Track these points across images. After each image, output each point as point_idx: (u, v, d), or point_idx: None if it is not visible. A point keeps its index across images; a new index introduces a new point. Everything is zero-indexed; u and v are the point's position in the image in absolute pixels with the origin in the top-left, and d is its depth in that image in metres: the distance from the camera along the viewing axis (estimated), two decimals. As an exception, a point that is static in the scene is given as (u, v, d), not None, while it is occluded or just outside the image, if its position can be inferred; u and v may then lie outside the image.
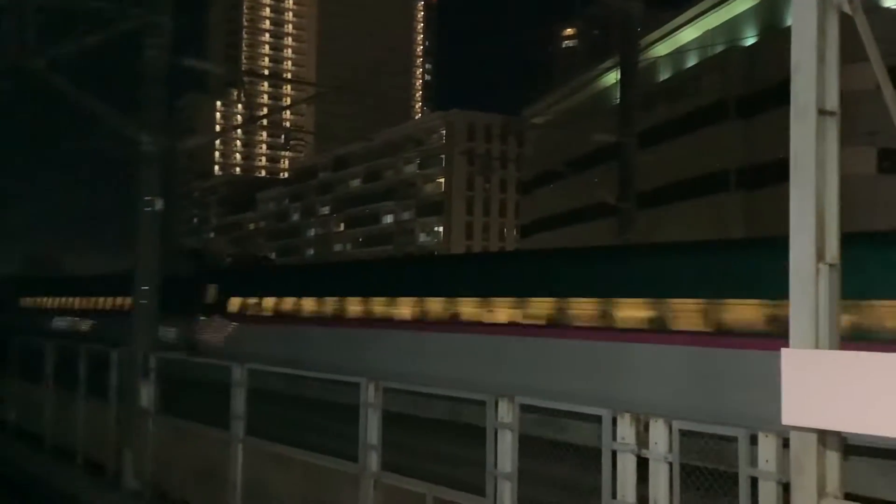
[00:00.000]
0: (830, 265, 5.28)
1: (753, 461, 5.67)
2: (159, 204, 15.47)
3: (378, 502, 8.98)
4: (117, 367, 14.89)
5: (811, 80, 5.32)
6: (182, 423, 13.06)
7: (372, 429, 9.07)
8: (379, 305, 19.80)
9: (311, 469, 10.03)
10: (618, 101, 26.12)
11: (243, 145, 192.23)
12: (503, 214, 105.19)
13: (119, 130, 16.20)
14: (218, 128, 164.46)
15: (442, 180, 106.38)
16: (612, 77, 45.53)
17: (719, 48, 46.46)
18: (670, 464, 6.21)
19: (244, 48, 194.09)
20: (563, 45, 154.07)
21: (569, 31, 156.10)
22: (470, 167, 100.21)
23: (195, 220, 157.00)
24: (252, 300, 24.23)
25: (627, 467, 6.50)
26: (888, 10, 37.47)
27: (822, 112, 5.32)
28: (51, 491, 15.48)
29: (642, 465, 6.47)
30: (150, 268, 15.54)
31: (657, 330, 13.55)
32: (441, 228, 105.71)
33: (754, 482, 5.68)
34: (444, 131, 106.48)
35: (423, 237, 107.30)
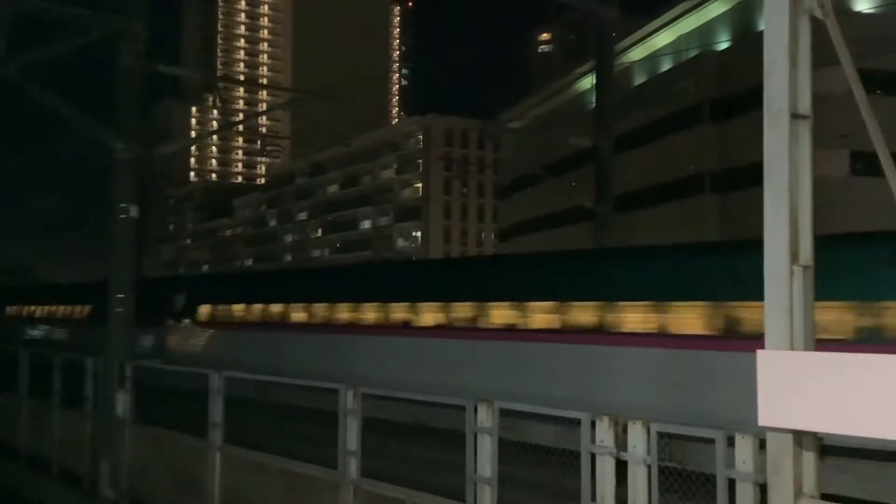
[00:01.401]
0: (804, 267, 5.33)
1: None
2: (134, 211, 15.35)
3: (358, 509, 8.95)
4: (92, 376, 14.74)
5: (784, 85, 5.37)
6: (158, 431, 12.96)
7: (351, 435, 9.04)
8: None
9: (289, 476, 9.98)
10: (594, 105, 26.25)
11: (219, 151, 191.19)
12: (481, 219, 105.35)
13: (94, 137, 16.07)
14: (193, 134, 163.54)
15: (419, 185, 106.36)
16: (588, 81, 45.74)
17: (693, 53, 46.85)
18: (649, 466, 6.23)
19: (219, 54, 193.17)
20: (539, 50, 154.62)
21: (544, 35, 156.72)
22: (447, 172, 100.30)
23: (171, 227, 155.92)
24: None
25: (606, 470, 6.52)
26: (859, 13, 37.97)
27: (794, 116, 5.37)
28: (26, 501, 15.31)
29: (620, 467, 6.49)
30: (125, 275, 15.41)
31: None
32: (419, 233, 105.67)
33: (732, 483, 5.71)
34: (421, 136, 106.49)
35: (401, 242, 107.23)
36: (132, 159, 15.38)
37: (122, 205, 15.27)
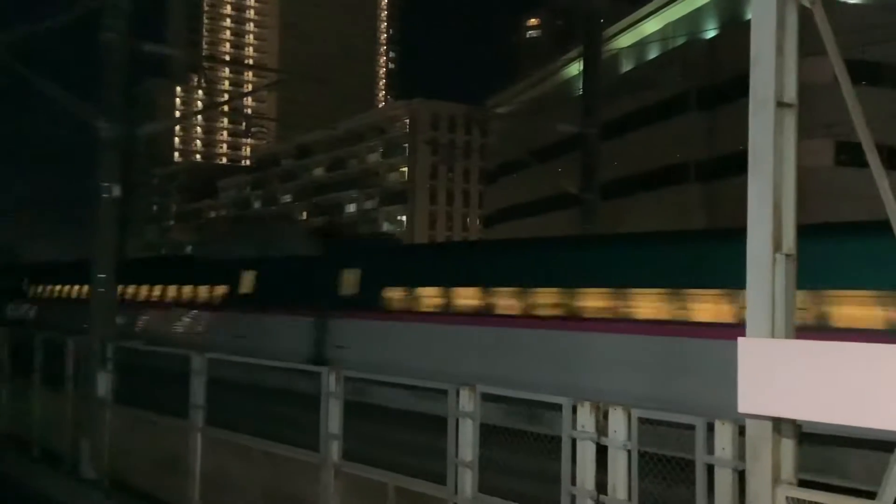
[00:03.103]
0: (787, 255, 5.34)
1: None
2: (117, 190, 15.23)
3: (339, 491, 8.96)
4: (73, 356, 14.66)
5: (770, 73, 5.37)
6: (139, 412, 12.92)
7: (333, 418, 9.04)
8: None
9: (271, 458, 9.97)
10: (581, 91, 26.24)
11: (204, 132, 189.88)
12: (467, 204, 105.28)
13: (77, 116, 15.93)
14: (178, 114, 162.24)
15: (405, 169, 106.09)
16: (576, 68, 45.71)
17: (681, 40, 46.88)
18: (629, 451, 6.26)
19: (205, 33, 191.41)
20: (527, 36, 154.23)
21: (532, 21, 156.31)
22: (433, 156, 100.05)
23: (155, 207, 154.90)
24: None
25: (587, 455, 6.55)
26: (846, 3, 38.07)
27: (780, 104, 5.37)
28: (6, 481, 15.24)
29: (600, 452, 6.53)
30: (107, 255, 15.31)
31: None
32: (405, 217, 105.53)
33: (711, 469, 5.75)
34: (407, 120, 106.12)
35: (386, 226, 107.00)
36: (116, 138, 15.24)
37: (105, 184, 15.14)
